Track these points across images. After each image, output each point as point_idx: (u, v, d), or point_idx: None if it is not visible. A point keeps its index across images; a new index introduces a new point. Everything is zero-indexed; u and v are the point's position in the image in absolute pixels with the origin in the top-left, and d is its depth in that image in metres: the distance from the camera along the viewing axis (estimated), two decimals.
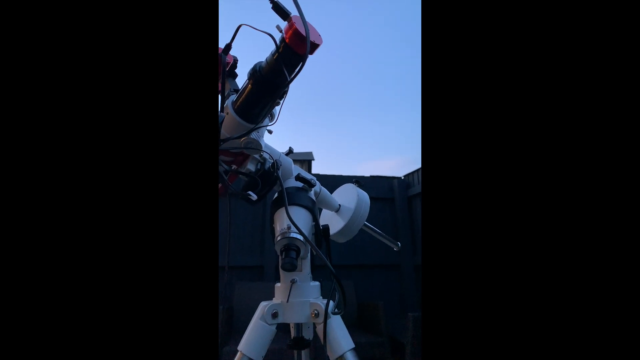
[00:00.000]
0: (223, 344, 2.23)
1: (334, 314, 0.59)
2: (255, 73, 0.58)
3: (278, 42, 0.55)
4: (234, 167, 0.68)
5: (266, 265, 3.13)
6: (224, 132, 0.63)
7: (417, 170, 3.66)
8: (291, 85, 0.58)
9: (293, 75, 0.55)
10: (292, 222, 0.58)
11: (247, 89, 0.61)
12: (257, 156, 0.67)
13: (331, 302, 0.59)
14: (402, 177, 3.85)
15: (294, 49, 0.54)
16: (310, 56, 0.55)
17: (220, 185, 0.71)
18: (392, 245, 0.90)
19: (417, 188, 3.54)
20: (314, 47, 0.54)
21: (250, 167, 0.66)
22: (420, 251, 3.28)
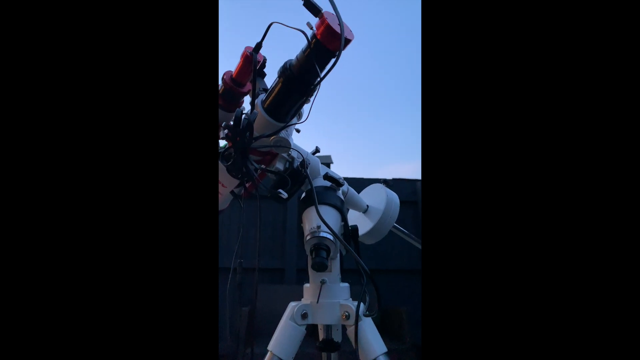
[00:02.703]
0: (246, 345, 2.24)
1: (366, 316, 0.57)
2: (286, 70, 0.58)
3: (309, 38, 0.55)
4: (262, 166, 0.69)
5: (287, 268, 3.13)
6: (254, 131, 0.63)
7: None
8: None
9: (325, 72, 0.54)
10: (323, 220, 0.57)
11: (277, 87, 0.61)
12: (285, 155, 0.66)
13: (362, 304, 0.57)
14: None
15: (326, 45, 0.53)
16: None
17: (249, 183, 0.72)
18: (421, 247, 0.87)
19: None
20: (346, 42, 0.53)
21: (279, 165, 0.66)
22: None
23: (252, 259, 2.93)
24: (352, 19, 0.55)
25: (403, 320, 2.46)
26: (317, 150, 0.78)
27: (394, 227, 0.80)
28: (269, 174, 0.68)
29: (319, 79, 0.55)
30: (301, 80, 0.57)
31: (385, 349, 0.56)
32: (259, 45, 0.61)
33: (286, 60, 0.61)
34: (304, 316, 0.60)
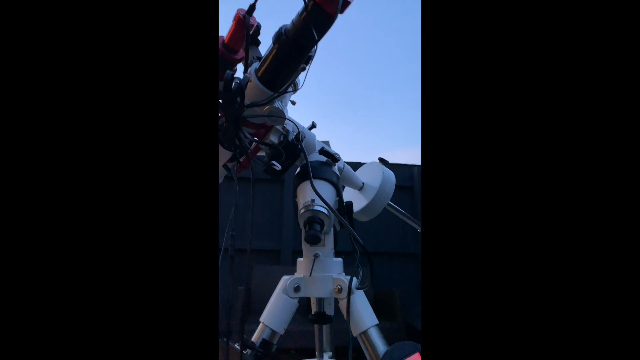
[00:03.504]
0: (241, 322, 2.29)
1: (358, 289, 0.57)
2: (281, 36, 0.55)
3: (306, 0, 0.52)
4: (255, 138, 0.67)
5: (283, 250, 3.17)
6: (247, 101, 0.60)
7: None
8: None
9: (322, 34, 0.51)
10: (318, 194, 0.56)
11: (272, 54, 0.58)
12: (279, 127, 0.65)
13: (354, 279, 0.57)
14: None
15: (324, 7, 0.50)
16: (338, 20, 0.51)
17: (242, 157, 0.70)
18: (416, 226, 0.87)
19: None
20: (345, 5, 0.50)
21: (273, 138, 0.64)
22: None
23: (248, 241, 2.94)
24: None
25: (396, 301, 2.52)
26: (313, 125, 0.76)
27: (389, 204, 0.80)
28: (263, 147, 0.66)
29: (315, 41, 0.52)
30: (297, 45, 0.54)
31: (376, 321, 0.57)
32: (252, 7, 0.58)
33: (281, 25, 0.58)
34: (297, 289, 0.59)
